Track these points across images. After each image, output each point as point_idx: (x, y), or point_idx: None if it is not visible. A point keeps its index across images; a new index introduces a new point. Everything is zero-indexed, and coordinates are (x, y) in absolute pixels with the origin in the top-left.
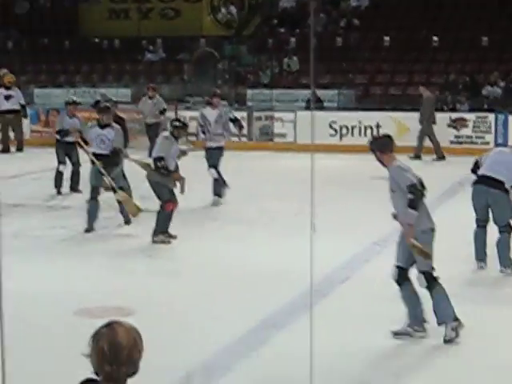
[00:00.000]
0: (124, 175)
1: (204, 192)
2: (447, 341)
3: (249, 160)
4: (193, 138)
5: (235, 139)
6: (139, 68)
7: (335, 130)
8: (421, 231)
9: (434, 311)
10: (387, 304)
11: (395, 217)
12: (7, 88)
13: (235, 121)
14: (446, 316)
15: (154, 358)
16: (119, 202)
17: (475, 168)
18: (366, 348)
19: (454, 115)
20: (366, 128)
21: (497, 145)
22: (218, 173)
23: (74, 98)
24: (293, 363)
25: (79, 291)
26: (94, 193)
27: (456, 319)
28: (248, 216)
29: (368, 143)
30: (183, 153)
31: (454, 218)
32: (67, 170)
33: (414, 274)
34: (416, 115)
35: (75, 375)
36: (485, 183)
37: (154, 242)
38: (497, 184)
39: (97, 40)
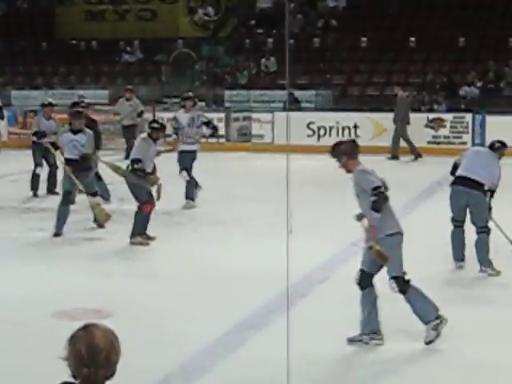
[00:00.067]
0: (100, 177)
1: (181, 194)
2: (428, 342)
3: (226, 161)
4: (170, 139)
5: (213, 140)
6: (117, 69)
7: (313, 131)
8: (386, 235)
9: (415, 313)
10: None
11: (359, 218)
12: None
13: (208, 123)
14: (428, 315)
15: (131, 360)
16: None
17: (454, 170)
18: (344, 348)
19: (432, 115)
20: (343, 128)
21: (474, 145)
22: (190, 175)
23: (50, 100)
24: (271, 364)
25: (56, 294)
26: (66, 197)
27: (438, 317)
28: (225, 217)
29: (331, 149)
30: (157, 153)
31: (432, 218)
32: (44, 172)
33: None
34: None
35: (53, 378)
36: (464, 184)
37: (131, 243)
38: (477, 185)
39: (74, 42)
